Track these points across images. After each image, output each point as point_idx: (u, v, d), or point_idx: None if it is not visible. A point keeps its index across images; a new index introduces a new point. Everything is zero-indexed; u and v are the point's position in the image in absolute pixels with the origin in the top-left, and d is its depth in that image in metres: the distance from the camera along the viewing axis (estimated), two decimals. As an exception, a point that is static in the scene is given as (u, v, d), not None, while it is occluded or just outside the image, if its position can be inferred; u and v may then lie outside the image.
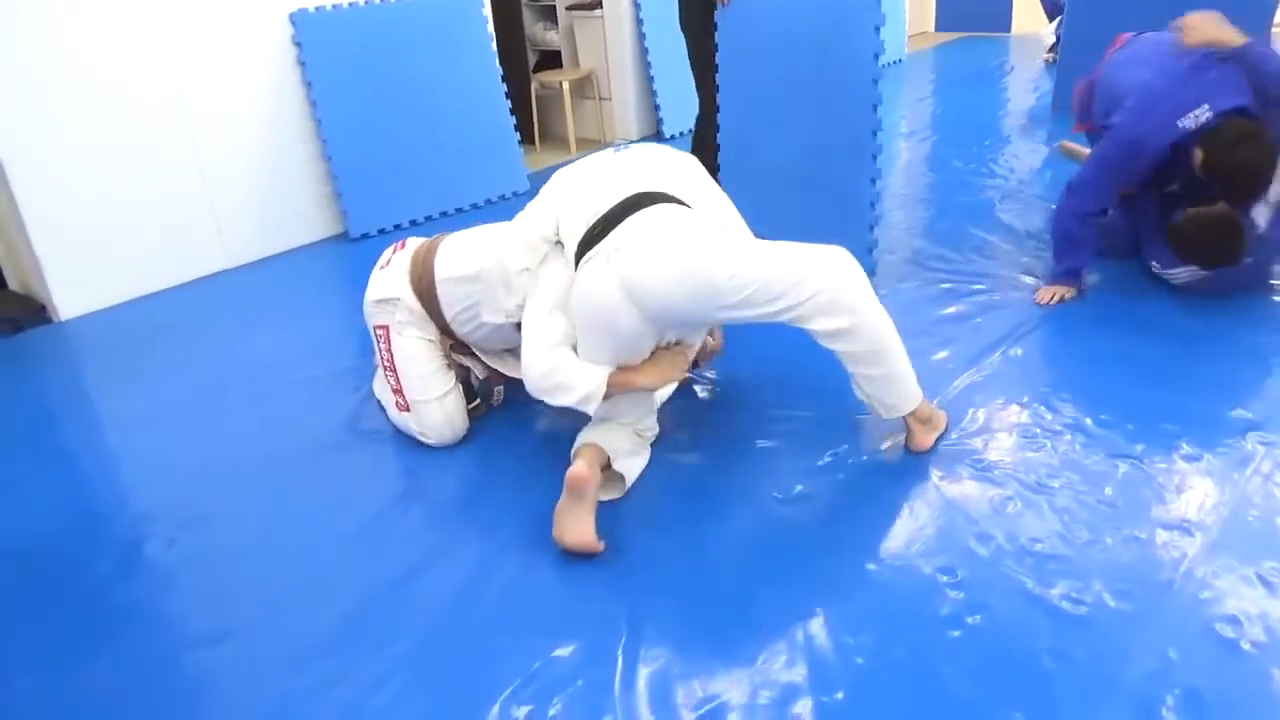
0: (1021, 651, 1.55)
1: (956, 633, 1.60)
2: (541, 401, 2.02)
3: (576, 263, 1.94)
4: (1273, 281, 2.81)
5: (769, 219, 3.37)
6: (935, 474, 2.04)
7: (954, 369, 2.47)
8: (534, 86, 5.40)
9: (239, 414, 2.59)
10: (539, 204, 2.09)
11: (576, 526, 1.84)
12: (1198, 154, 2.55)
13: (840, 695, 1.50)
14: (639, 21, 5.11)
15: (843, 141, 2.85)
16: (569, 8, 5.39)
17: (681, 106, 5.29)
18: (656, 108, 5.28)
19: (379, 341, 2.35)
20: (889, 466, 2.09)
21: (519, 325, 2.07)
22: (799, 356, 2.52)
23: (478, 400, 2.42)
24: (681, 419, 2.33)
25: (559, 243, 2.03)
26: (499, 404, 2.47)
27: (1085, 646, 1.55)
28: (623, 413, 2.06)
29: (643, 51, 5.19)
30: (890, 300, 2.87)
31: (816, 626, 1.64)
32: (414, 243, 2.40)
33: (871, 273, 2.87)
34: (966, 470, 2.05)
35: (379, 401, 2.51)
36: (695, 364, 2.46)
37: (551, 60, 5.66)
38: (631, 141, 5.35)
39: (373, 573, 1.89)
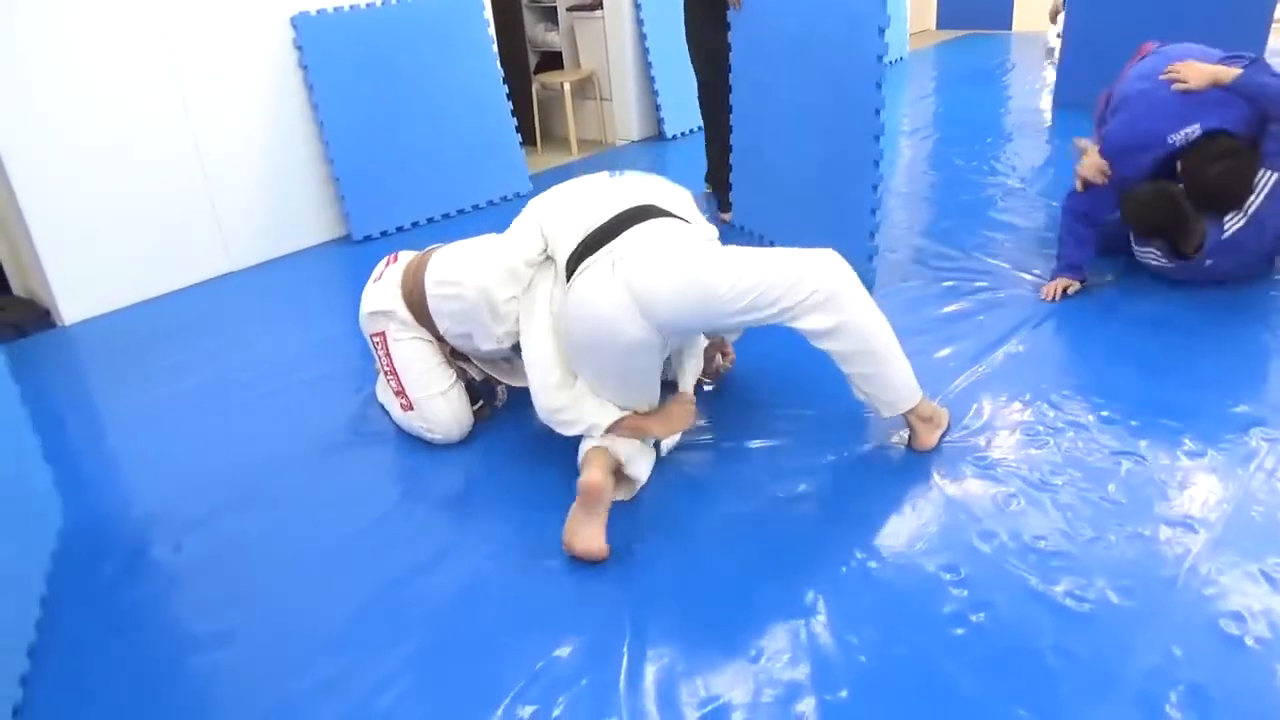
0: (1025, 649, 1.55)
1: (960, 630, 1.60)
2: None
3: (569, 274, 1.95)
4: (1276, 277, 2.81)
5: (775, 225, 3.41)
6: (938, 472, 2.04)
7: (956, 367, 2.47)
8: (535, 88, 5.41)
9: (243, 416, 2.60)
10: (524, 222, 2.12)
11: (589, 535, 1.84)
12: (1179, 167, 2.66)
13: (844, 694, 1.50)
14: (640, 22, 5.11)
15: (845, 147, 2.84)
16: (570, 8, 5.39)
17: (682, 107, 5.29)
18: (658, 108, 5.28)
19: (377, 349, 2.36)
20: (892, 465, 2.09)
21: (515, 347, 2.09)
22: (800, 356, 2.52)
23: (481, 402, 2.42)
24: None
25: (547, 259, 2.06)
26: (502, 404, 2.47)
27: (1089, 643, 1.55)
28: (623, 448, 2.03)
29: (644, 52, 5.19)
30: (892, 299, 2.89)
31: (820, 625, 1.64)
32: (406, 256, 2.41)
33: (870, 284, 2.87)
34: (969, 468, 2.05)
35: (383, 406, 2.52)
36: (711, 379, 2.49)
37: (552, 61, 5.66)
38: (633, 142, 5.37)
39: (377, 573, 1.90)
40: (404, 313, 2.29)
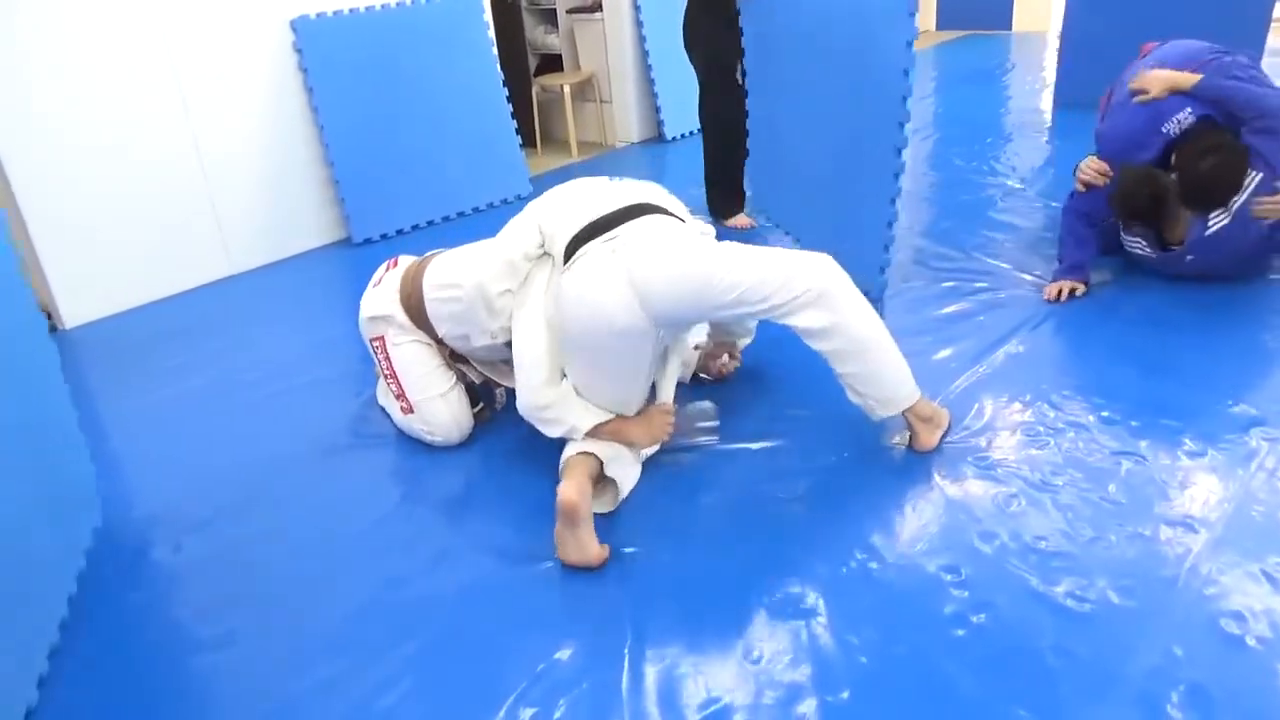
0: (1026, 649, 1.55)
1: (961, 631, 1.60)
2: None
3: (567, 258, 1.97)
4: (1273, 277, 2.80)
5: (796, 220, 3.41)
6: (938, 472, 2.04)
7: (957, 367, 2.47)
8: (535, 90, 5.41)
9: (244, 419, 2.60)
10: (521, 220, 2.14)
11: (578, 546, 1.83)
12: (1173, 160, 2.67)
13: (845, 695, 1.50)
14: (639, 24, 5.12)
15: (867, 137, 2.77)
16: (569, 11, 5.39)
17: (682, 109, 5.29)
18: (657, 110, 5.29)
19: (376, 353, 2.36)
20: (892, 465, 2.09)
21: (509, 344, 2.09)
22: (800, 357, 2.52)
23: (481, 404, 2.42)
24: (682, 419, 2.33)
25: (544, 255, 2.08)
26: (501, 406, 2.47)
27: (1090, 644, 1.55)
28: (604, 450, 2.03)
29: (643, 54, 5.19)
30: (893, 299, 2.89)
31: (820, 626, 1.64)
32: (406, 260, 2.42)
33: (879, 297, 2.87)
34: (970, 468, 2.05)
35: (383, 409, 2.52)
36: (718, 379, 2.50)
37: (552, 64, 5.67)
38: (633, 144, 5.37)
39: (378, 575, 1.90)
40: (402, 317, 2.30)
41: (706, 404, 2.44)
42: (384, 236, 4.06)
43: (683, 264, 1.93)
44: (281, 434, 2.48)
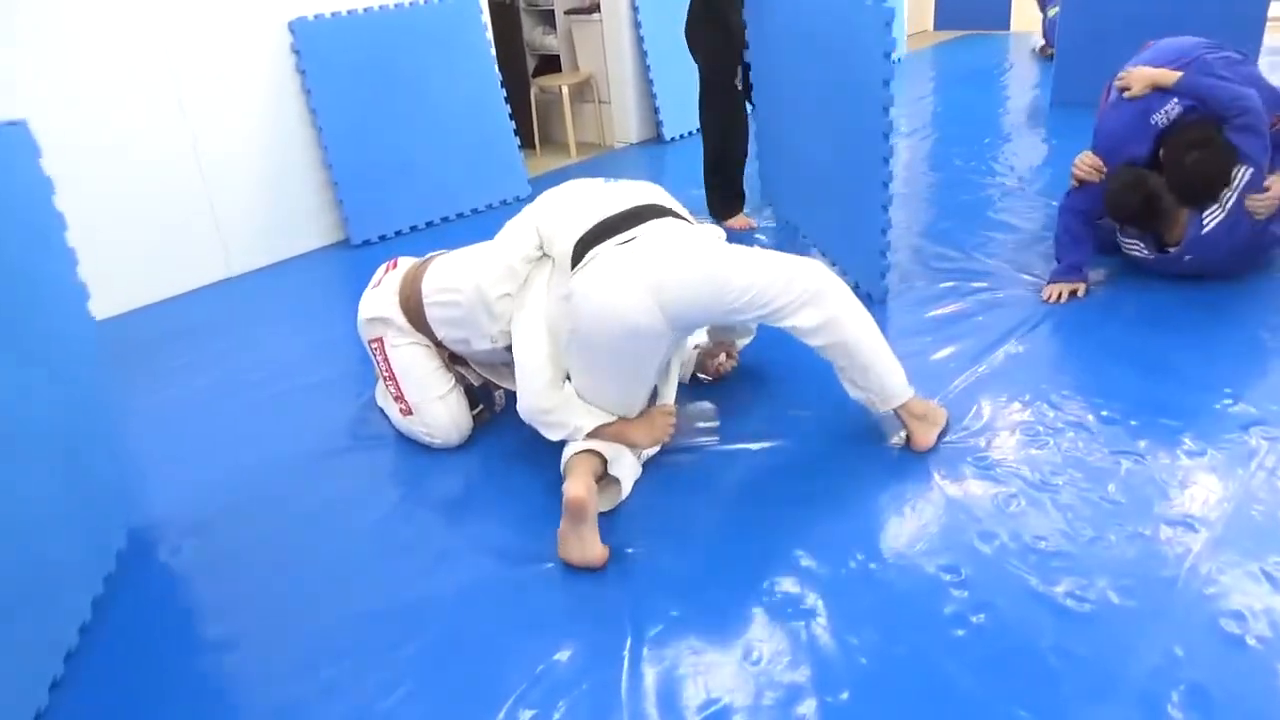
0: (1026, 649, 1.55)
1: (961, 631, 1.60)
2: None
3: (575, 260, 1.96)
4: (1274, 275, 2.80)
5: (806, 221, 3.41)
6: (938, 473, 2.04)
7: (956, 367, 2.47)
8: (533, 91, 5.41)
9: (245, 420, 2.60)
10: (519, 223, 2.14)
11: (581, 545, 1.83)
12: (1161, 154, 2.68)
13: (845, 695, 1.50)
14: (637, 25, 5.12)
15: (856, 145, 2.80)
16: (567, 12, 5.39)
17: (681, 109, 5.30)
18: (656, 111, 5.29)
19: (375, 354, 2.36)
20: (891, 465, 2.09)
21: (509, 347, 2.09)
22: (800, 358, 2.52)
23: (481, 406, 2.42)
24: (682, 420, 2.32)
25: (543, 258, 2.08)
26: (500, 408, 2.47)
27: (1090, 644, 1.54)
28: (607, 448, 2.03)
29: (641, 55, 5.19)
30: (892, 299, 2.89)
31: (820, 626, 1.64)
32: (405, 262, 2.41)
33: (882, 299, 2.87)
34: (969, 468, 2.05)
35: (382, 410, 2.52)
36: (715, 378, 2.49)
37: (550, 64, 5.67)
38: (631, 145, 5.37)
39: (378, 577, 1.90)
40: (401, 319, 2.29)
41: (707, 404, 2.43)
42: (382, 238, 4.06)
43: (700, 268, 1.95)
44: (282, 435, 2.48)
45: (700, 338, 2.51)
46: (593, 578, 1.82)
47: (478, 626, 1.73)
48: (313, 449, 2.40)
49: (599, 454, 2.00)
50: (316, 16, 3.84)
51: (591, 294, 1.92)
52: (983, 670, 1.52)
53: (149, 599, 1.92)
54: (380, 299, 2.33)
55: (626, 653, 1.63)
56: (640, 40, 5.15)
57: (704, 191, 3.80)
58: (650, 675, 1.57)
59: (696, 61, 3.66)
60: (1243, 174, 2.58)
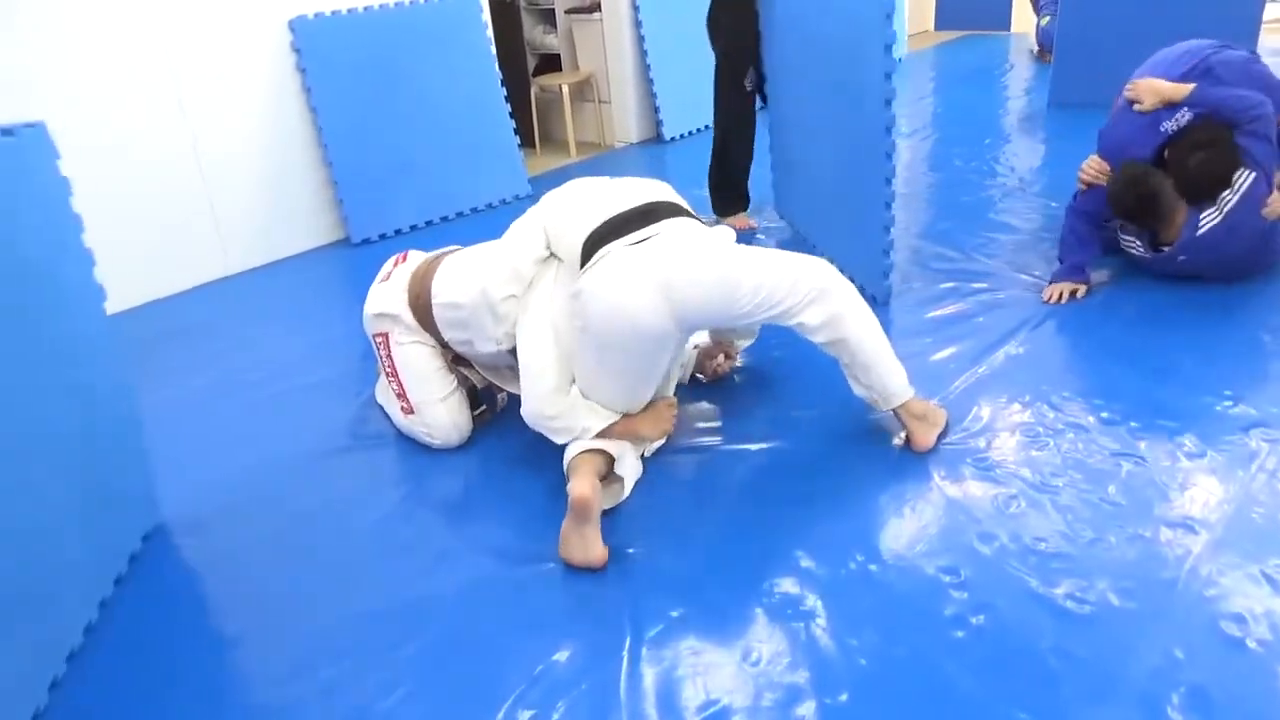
0: (1026, 651, 1.55)
1: (960, 633, 1.60)
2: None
3: (585, 258, 1.96)
4: (1274, 277, 2.80)
5: (810, 222, 3.40)
6: (938, 474, 2.04)
7: (956, 368, 2.46)
8: (533, 90, 5.41)
9: (244, 419, 2.59)
10: (526, 223, 2.13)
11: (585, 545, 1.83)
12: (1167, 156, 2.71)
13: (844, 697, 1.50)
14: (638, 24, 5.12)
15: (858, 141, 2.79)
16: (568, 11, 5.39)
17: (681, 109, 5.30)
18: (656, 110, 5.29)
19: (379, 349, 2.35)
20: (891, 466, 2.09)
21: (513, 351, 2.09)
22: (802, 358, 2.53)
23: (483, 407, 2.42)
24: (682, 420, 2.32)
25: (549, 259, 2.08)
26: (502, 408, 2.47)
27: (1090, 645, 1.54)
28: (614, 446, 2.04)
29: (642, 54, 5.19)
30: (893, 300, 2.89)
31: (820, 627, 1.64)
32: (416, 256, 2.39)
33: (885, 301, 2.87)
34: (969, 470, 2.04)
35: (382, 408, 2.51)
36: (714, 379, 2.50)
37: (551, 64, 5.66)
38: (631, 144, 5.37)
39: (378, 577, 1.89)
40: (409, 318, 2.28)
41: (707, 405, 2.43)
42: (382, 237, 4.05)
43: (712, 270, 1.95)
44: (281, 435, 2.48)
45: (700, 338, 2.51)
46: (592, 578, 1.82)
47: (478, 626, 1.73)
48: (312, 449, 2.39)
49: (604, 453, 2.00)
50: (317, 15, 3.83)
51: (601, 293, 1.92)
52: (982, 671, 1.52)
53: (149, 599, 1.91)
54: (389, 295, 2.32)
55: (626, 653, 1.62)
56: (641, 40, 5.15)
57: (707, 189, 3.78)
58: (650, 676, 1.57)
59: (714, 51, 3.63)
60: (1244, 178, 2.58)
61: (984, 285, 2.96)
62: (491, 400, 2.45)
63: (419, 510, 2.12)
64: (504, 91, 4.38)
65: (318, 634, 1.74)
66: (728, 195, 3.74)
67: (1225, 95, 2.66)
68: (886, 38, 2.48)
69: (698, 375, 2.52)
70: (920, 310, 2.83)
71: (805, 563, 1.80)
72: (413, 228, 4.13)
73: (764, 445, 2.22)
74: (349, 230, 4.03)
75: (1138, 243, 2.79)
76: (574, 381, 2.06)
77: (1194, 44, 2.89)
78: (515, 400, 2.44)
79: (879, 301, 2.86)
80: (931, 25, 8.42)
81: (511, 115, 4.41)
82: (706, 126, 5.39)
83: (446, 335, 2.24)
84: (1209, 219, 2.61)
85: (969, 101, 5.69)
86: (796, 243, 3.53)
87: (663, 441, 2.20)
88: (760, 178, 3.80)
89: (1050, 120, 4.97)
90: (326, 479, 2.27)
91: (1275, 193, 2.61)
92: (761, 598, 1.73)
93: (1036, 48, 6.62)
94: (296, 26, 3.78)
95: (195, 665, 1.71)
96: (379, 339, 2.34)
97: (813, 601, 1.70)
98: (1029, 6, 7.01)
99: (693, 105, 5.35)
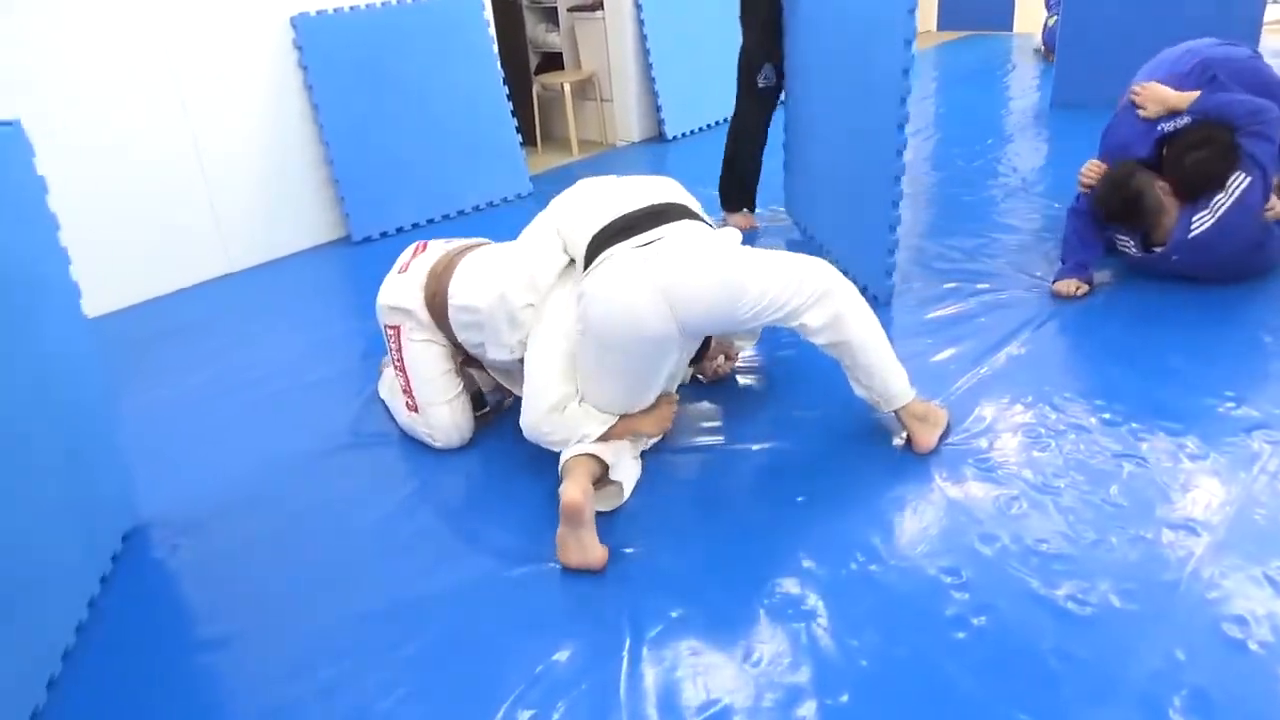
0: (1027, 652, 1.55)
1: (962, 634, 1.60)
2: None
3: (589, 261, 1.95)
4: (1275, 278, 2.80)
5: (817, 219, 3.39)
6: (939, 474, 2.03)
7: (958, 369, 2.46)
8: (535, 88, 5.40)
9: (243, 418, 2.59)
10: (539, 227, 2.12)
11: (580, 548, 1.83)
12: (1164, 154, 2.72)
13: (845, 698, 1.49)
14: (640, 23, 5.11)
15: (870, 137, 2.76)
16: (570, 9, 5.38)
17: (684, 108, 5.30)
18: (658, 109, 5.28)
19: (389, 340, 2.34)
20: (893, 467, 2.09)
21: (523, 359, 2.08)
22: (803, 359, 2.52)
23: (487, 408, 2.42)
24: (683, 420, 2.32)
25: (569, 266, 2.07)
26: (507, 408, 2.46)
27: (1091, 647, 1.54)
28: (609, 453, 2.03)
29: (644, 53, 5.18)
30: (894, 300, 2.88)
31: (820, 628, 1.64)
32: (435, 247, 2.35)
33: (887, 300, 2.86)
34: (971, 470, 2.04)
35: (384, 403, 2.51)
36: (714, 380, 2.49)
37: (553, 62, 5.65)
38: (633, 143, 5.36)
39: (378, 576, 1.89)
40: (423, 314, 2.25)
41: (708, 405, 2.43)
42: (384, 235, 4.05)
43: (716, 275, 1.93)
44: (281, 433, 2.47)
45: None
46: (592, 578, 1.82)
47: (478, 626, 1.73)
48: (312, 447, 2.39)
49: (598, 458, 1.99)
50: (319, 12, 3.83)
51: (603, 295, 1.91)
52: (983, 672, 1.51)
53: (146, 598, 1.91)
54: (405, 289, 2.28)
55: (626, 653, 1.62)
56: (643, 38, 5.14)
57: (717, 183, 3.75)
58: (650, 676, 1.57)
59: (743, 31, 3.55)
60: (1240, 181, 2.56)
61: (986, 285, 2.96)
62: (497, 404, 2.45)
63: (419, 510, 2.12)
64: (506, 90, 4.37)
65: (317, 633, 1.74)
66: (734, 191, 3.72)
67: (1229, 100, 2.65)
68: (908, 32, 2.45)
69: (698, 376, 2.52)
70: (922, 310, 2.82)
71: (806, 563, 1.80)
72: (414, 226, 4.12)
73: (764, 445, 2.21)
74: (350, 228, 4.02)
75: (1131, 242, 2.79)
76: (578, 393, 2.04)
77: (1195, 43, 2.89)
78: (518, 402, 2.44)
79: (881, 301, 2.86)
80: (934, 25, 8.41)
81: (513, 113, 4.40)
82: (709, 125, 5.42)
83: (460, 336, 2.22)
84: (1201, 221, 2.60)
85: (971, 101, 5.69)
86: (804, 243, 3.53)
87: (659, 437, 2.19)
88: (773, 175, 3.77)
89: (1052, 120, 4.96)
90: (326, 478, 2.27)
91: (1275, 196, 2.61)
92: (762, 598, 1.72)
93: (1043, 48, 6.61)
94: (298, 24, 3.77)
95: (193, 664, 1.71)
96: (390, 331, 2.32)
97: (813, 602, 1.70)
98: (1036, 6, 7.00)
99: (695, 104, 5.34)
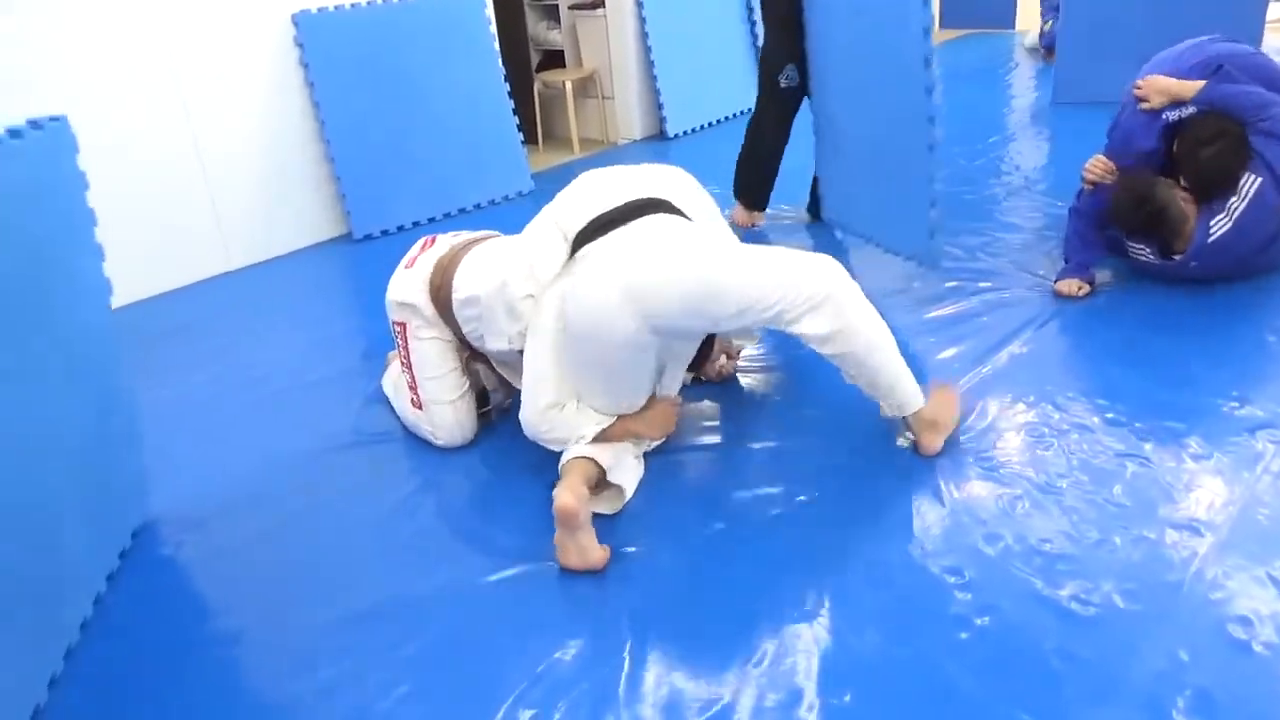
0: (1030, 652, 1.54)
1: (964, 634, 1.59)
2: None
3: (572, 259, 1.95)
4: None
5: (852, 213, 3.37)
6: (942, 474, 2.03)
7: (960, 368, 2.45)
8: (537, 86, 5.40)
9: (245, 416, 2.59)
10: (541, 221, 2.11)
11: (579, 551, 1.81)
12: (1174, 149, 2.67)
13: (847, 697, 1.49)
14: (642, 20, 5.10)
15: (899, 130, 2.76)
16: (571, 7, 5.38)
17: (685, 106, 5.29)
18: (660, 107, 5.27)
19: (397, 337, 2.33)
20: (896, 466, 2.08)
21: (522, 351, 2.07)
22: (805, 358, 2.51)
23: (489, 406, 2.41)
24: (685, 420, 2.32)
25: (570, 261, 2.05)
26: (508, 408, 2.46)
27: (1094, 647, 1.53)
28: (606, 456, 2.01)
29: (646, 50, 5.17)
30: (896, 299, 2.88)
31: (823, 628, 1.63)
32: (444, 241, 2.34)
33: (935, 265, 2.82)
34: (974, 470, 2.03)
35: (388, 399, 2.50)
36: (716, 380, 2.48)
37: (554, 60, 5.65)
38: (635, 141, 5.35)
39: (379, 576, 1.89)
40: (429, 309, 2.24)
41: (710, 404, 2.42)
42: (385, 233, 4.05)
43: (691, 272, 1.86)
44: (282, 432, 2.47)
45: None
46: (593, 578, 1.81)
47: (478, 626, 1.72)
48: (313, 446, 2.39)
49: (595, 460, 1.97)
50: (320, 10, 3.82)
51: (576, 294, 1.90)
52: (986, 673, 1.51)
53: (148, 596, 1.91)
54: (411, 284, 2.27)
55: (626, 653, 1.62)
56: (645, 36, 5.13)
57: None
58: (650, 676, 1.56)
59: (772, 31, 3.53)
60: (1251, 183, 2.55)
61: (988, 284, 2.95)
62: (501, 403, 2.44)
63: (420, 509, 2.12)
64: (507, 87, 4.37)
65: (318, 632, 1.74)
66: (746, 186, 3.66)
67: (1236, 92, 2.62)
68: (925, 20, 2.44)
69: (700, 377, 2.51)
70: (924, 309, 2.81)
71: (808, 562, 1.79)
72: (415, 224, 4.12)
73: (766, 444, 2.21)
74: (351, 226, 4.02)
75: (1147, 250, 2.75)
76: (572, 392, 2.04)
77: (1198, 40, 2.87)
78: (519, 400, 2.43)
79: (926, 265, 2.83)
80: (937, 23, 8.39)
81: (514, 111, 4.40)
82: (710, 123, 5.41)
83: (465, 329, 2.21)
84: (1219, 225, 2.58)
85: (973, 99, 5.67)
86: (842, 243, 3.48)
87: (662, 440, 2.18)
88: (798, 174, 3.73)
89: (1055, 119, 4.95)
90: (327, 477, 2.26)
91: None
92: (763, 597, 1.72)
93: (1042, 50, 6.60)
94: (299, 21, 3.77)
95: (194, 664, 1.71)
96: (398, 327, 2.31)
97: (815, 601, 1.69)
98: (1036, 7, 6.99)
99: (696, 102, 5.33)
